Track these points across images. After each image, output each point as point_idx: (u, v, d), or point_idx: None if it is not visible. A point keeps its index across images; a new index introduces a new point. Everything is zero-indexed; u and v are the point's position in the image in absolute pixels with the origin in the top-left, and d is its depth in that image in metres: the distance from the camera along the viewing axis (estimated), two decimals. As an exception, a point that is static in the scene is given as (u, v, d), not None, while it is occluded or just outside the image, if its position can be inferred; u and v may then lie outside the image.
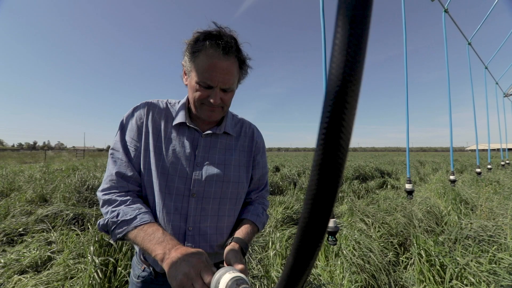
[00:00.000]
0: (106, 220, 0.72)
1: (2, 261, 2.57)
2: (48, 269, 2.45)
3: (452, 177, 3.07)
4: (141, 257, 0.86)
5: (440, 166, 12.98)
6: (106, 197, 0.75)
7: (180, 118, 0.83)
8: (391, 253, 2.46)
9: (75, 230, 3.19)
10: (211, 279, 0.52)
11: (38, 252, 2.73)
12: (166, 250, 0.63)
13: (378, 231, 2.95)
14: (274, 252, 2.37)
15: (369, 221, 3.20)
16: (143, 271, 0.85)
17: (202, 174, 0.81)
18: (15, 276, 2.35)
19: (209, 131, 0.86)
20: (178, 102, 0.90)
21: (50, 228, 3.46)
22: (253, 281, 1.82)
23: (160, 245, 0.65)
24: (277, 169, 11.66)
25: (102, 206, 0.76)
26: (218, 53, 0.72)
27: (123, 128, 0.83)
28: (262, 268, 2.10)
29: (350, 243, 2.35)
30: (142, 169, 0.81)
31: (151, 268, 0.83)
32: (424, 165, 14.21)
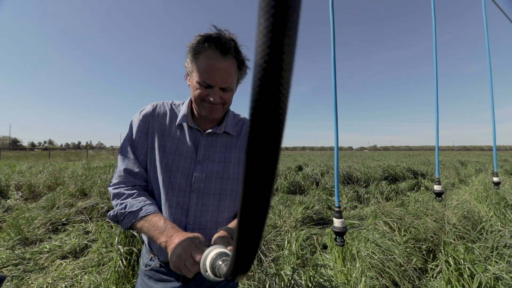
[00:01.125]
0: (116, 211, 0.80)
1: (47, 247, 2.93)
2: (85, 256, 2.74)
3: (495, 179, 2.74)
4: (148, 246, 0.92)
5: (484, 166, 11.66)
6: (115, 191, 0.83)
7: (183, 118, 0.88)
8: (415, 259, 2.29)
9: (109, 222, 3.51)
10: (201, 257, 0.57)
11: (77, 240, 3.06)
12: (168, 238, 0.69)
13: (404, 235, 2.76)
14: (287, 251, 2.35)
15: (394, 224, 3.01)
16: (150, 260, 0.91)
17: (202, 171, 0.85)
18: (57, 260, 2.66)
19: (210, 130, 0.89)
20: (182, 104, 0.95)
21: (88, 219, 3.84)
22: (265, 278, 1.84)
23: (163, 234, 0.71)
24: (300, 168, 11.49)
25: (112, 199, 0.84)
26: (217, 54, 0.76)
27: (131, 128, 0.90)
28: (274, 266, 2.10)
29: (370, 246, 2.24)
30: (148, 166, 0.87)
31: (157, 258, 0.89)
32: (466, 165, 12.88)
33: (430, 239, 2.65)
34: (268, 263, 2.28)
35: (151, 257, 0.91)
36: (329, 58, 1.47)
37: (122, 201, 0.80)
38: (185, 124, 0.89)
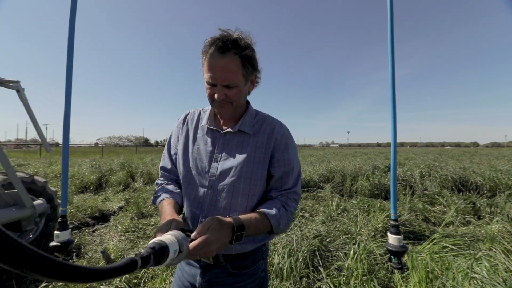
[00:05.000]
0: (152, 198, 0.98)
1: (153, 221, 3.79)
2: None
3: None
4: None
5: None
6: (157, 182, 1.04)
7: (204, 121, 0.97)
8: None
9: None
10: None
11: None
12: (161, 221, 0.79)
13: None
14: (354, 263, 2.05)
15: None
16: None
17: (217, 169, 0.88)
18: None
19: (226, 130, 0.92)
20: (210, 108, 1.03)
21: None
22: None
23: (161, 217, 0.83)
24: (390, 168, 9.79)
25: None
26: (216, 53, 0.79)
27: (171, 133, 1.07)
28: (331, 280, 1.88)
29: (466, 277, 1.62)
30: (177, 164, 1.00)
31: None
32: None
33: None
34: (328, 272, 2.08)
35: None
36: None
37: (156, 189, 0.99)
38: (206, 126, 0.96)
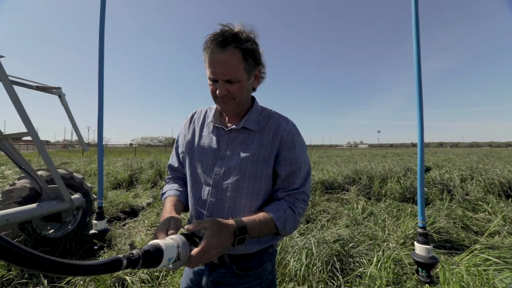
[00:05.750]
0: (160, 195, 1.02)
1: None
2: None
3: None
4: None
5: None
6: (165, 180, 1.08)
7: (209, 118, 0.96)
8: None
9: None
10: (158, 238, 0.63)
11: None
12: (161, 219, 0.80)
13: None
14: (376, 272, 1.91)
15: None
16: None
17: (222, 167, 0.87)
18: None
19: (231, 127, 0.90)
20: (216, 106, 1.02)
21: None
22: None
23: (161, 215, 0.84)
24: (426, 170, 9.03)
25: None
26: (216, 48, 0.77)
27: (180, 132, 1.08)
28: (348, 287, 1.76)
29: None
30: (184, 162, 1.02)
31: None
32: None
33: None
34: (347, 279, 1.97)
35: None
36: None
37: (164, 186, 1.02)
38: (211, 124, 0.95)
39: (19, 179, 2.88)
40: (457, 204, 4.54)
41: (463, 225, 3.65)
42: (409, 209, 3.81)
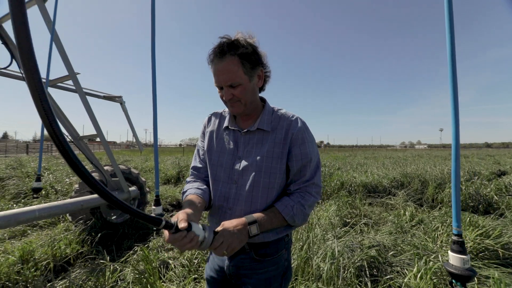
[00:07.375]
0: (181, 194, 1.11)
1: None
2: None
3: None
4: None
5: None
6: (186, 180, 1.16)
7: (226, 122, 1.05)
8: None
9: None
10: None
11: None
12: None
13: None
14: (407, 282, 1.75)
15: None
16: None
17: (240, 165, 0.97)
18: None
19: (246, 129, 0.99)
20: None
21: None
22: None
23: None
24: (501, 174, 7.60)
25: None
26: (216, 59, 0.88)
27: (200, 135, 1.17)
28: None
29: None
30: (205, 163, 1.11)
31: None
32: None
33: None
34: (374, 286, 1.85)
35: None
36: None
37: (185, 186, 1.11)
38: (228, 127, 1.04)
39: (91, 172, 3.51)
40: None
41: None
42: (468, 219, 3.29)
